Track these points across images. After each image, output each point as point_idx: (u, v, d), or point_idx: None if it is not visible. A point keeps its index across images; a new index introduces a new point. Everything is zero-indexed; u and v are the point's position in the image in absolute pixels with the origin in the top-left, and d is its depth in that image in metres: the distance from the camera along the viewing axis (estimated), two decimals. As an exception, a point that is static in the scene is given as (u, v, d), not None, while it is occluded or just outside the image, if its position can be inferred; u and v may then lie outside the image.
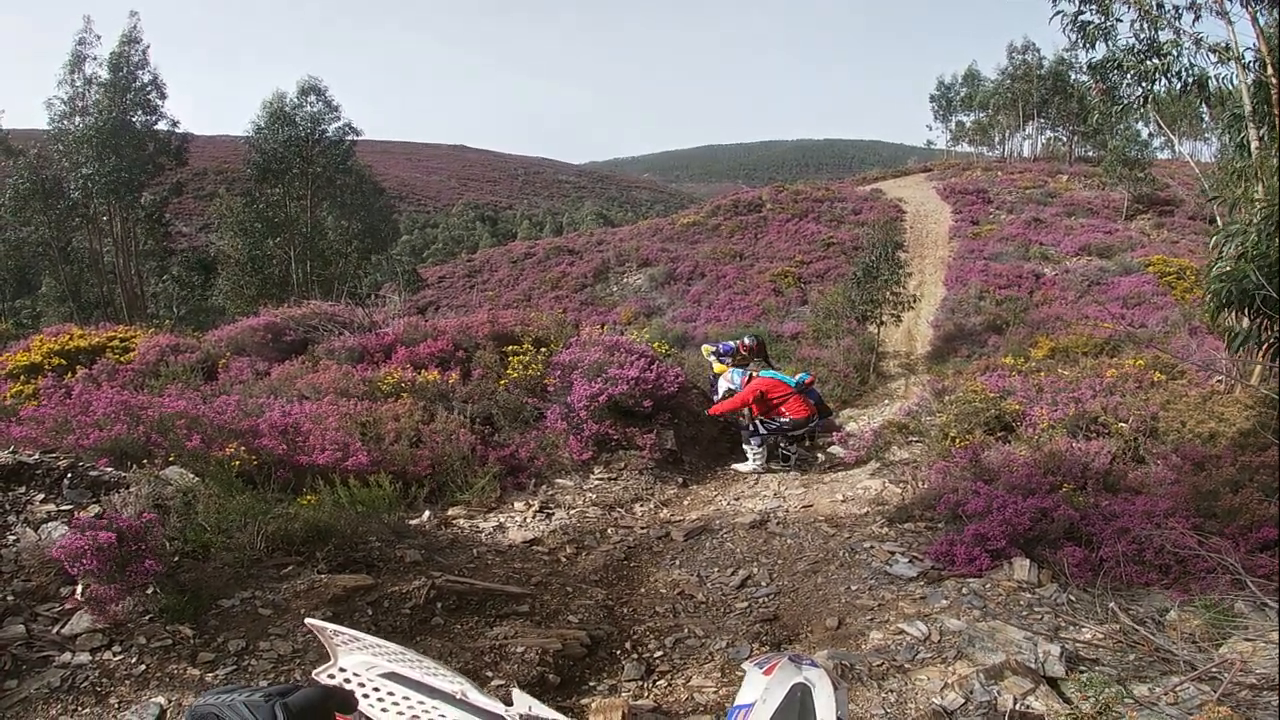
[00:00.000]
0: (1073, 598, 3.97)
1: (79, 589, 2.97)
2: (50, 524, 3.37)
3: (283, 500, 4.17)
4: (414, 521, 4.63)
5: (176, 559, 3.29)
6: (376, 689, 1.12)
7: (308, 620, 1.21)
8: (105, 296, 22.73)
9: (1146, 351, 9.26)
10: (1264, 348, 5.30)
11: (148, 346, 7.79)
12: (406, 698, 1.10)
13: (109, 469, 3.97)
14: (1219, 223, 6.35)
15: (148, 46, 22.05)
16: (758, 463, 7.04)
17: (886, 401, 12.02)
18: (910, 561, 4.48)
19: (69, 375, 7.01)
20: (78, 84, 21.39)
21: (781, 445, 7.21)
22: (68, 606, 2.96)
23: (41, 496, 3.57)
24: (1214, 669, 3.05)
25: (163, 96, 22.40)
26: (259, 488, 4.32)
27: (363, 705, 1.10)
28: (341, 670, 1.15)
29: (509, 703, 1.10)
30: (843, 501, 5.96)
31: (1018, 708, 2.90)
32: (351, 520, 4.01)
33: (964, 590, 4.01)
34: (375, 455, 5.21)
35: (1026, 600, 3.92)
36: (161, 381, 6.89)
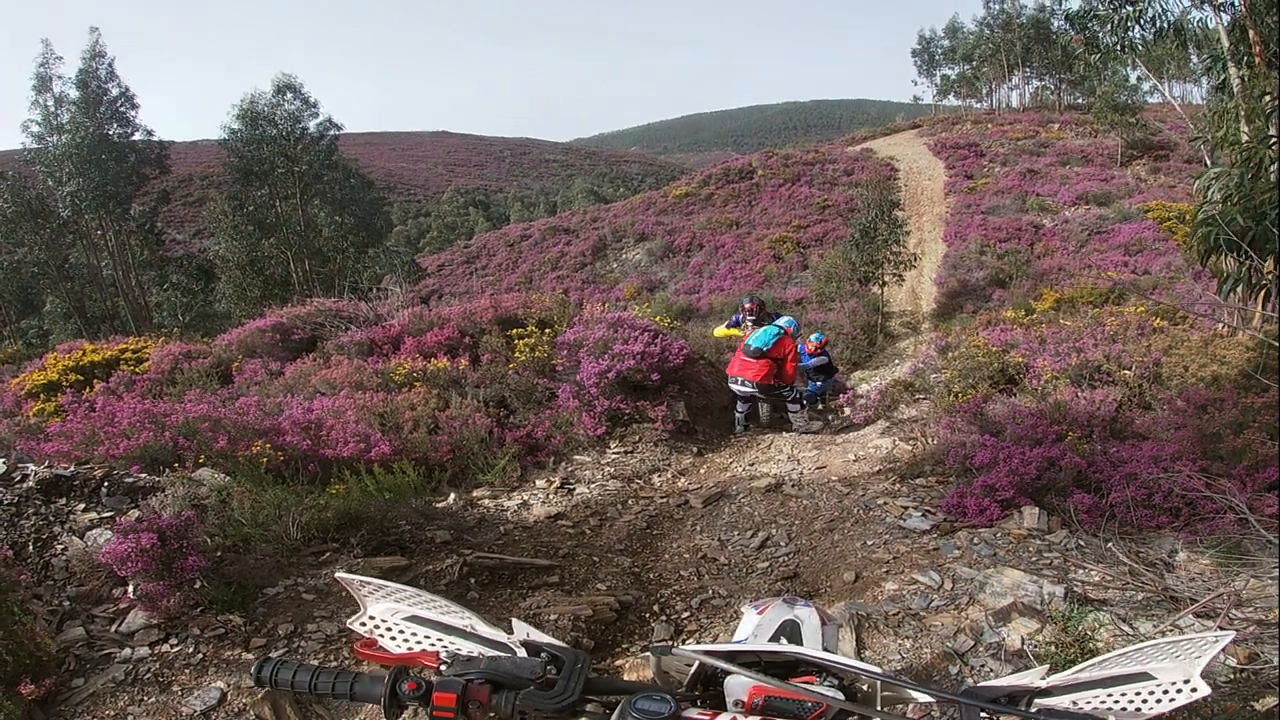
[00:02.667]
0: (1082, 543, 4.09)
1: (130, 589, 3.12)
2: (94, 531, 3.51)
3: (312, 492, 4.30)
4: (440, 504, 4.77)
5: (219, 554, 3.43)
6: (401, 631, 1.27)
7: (338, 575, 1.35)
8: (110, 310, 22.87)
9: (1149, 299, 9.33)
10: (1259, 291, 5.34)
11: (161, 355, 7.90)
12: (428, 636, 1.25)
13: (143, 475, 4.10)
14: (1207, 164, 6.36)
15: (113, 60, 22.04)
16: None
17: (896, 361, 12.12)
18: (923, 515, 4.61)
19: (87, 390, 7.13)
20: (48, 104, 21.40)
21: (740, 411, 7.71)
22: (122, 606, 3.11)
23: (82, 506, 3.70)
24: (1211, 601, 3.18)
25: (134, 107, 22.37)
26: (288, 482, 4.46)
27: (389, 646, 1.25)
28: (371, 618, 1.29)
29: (510, 631, 1.24)
30: (855, 461, 6.09)
31: (1024, 647, 3.04)
32: (381, 506, 4.14)
33: (975, 540, 4.14)
34: (396, 444, 5.34)
35: (1036, 547, 4.05)
36: (179, 388, 7.01)
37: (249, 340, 8.47)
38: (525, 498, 5.17)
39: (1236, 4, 6.96)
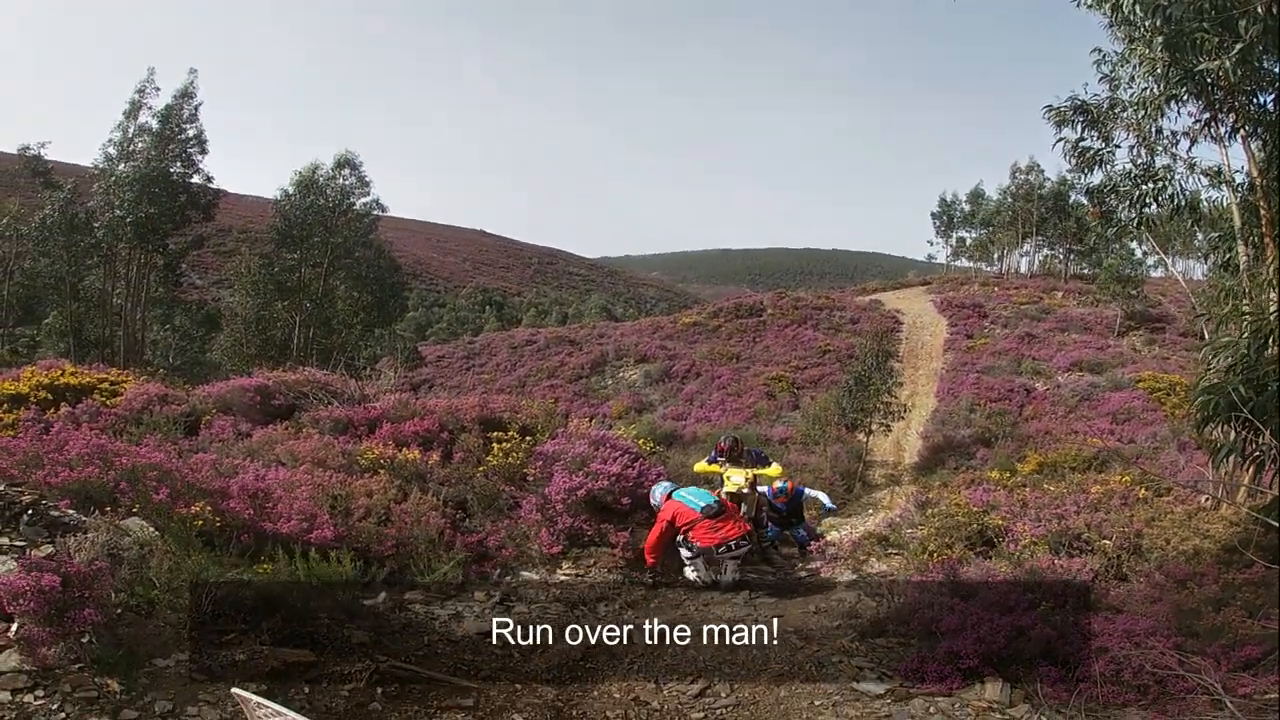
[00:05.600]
0: (1044, 718, 3.86)
1: (13, 627, 2.92)
2: (1, 557, 3.33)
3: (239, 565, 4.10)
4: (369, 602, 4.54)
5: (120, 611, 3.24)
6: None
7: (234, 690, 1.25)
8: (106, 337, 22.67)
9: (1133, 468, 9.21)
10: (1252, 462, 5.27)
11: (135, 393, 7.80)
12: None
13: (71, 511, 3.97)
14: (1207, 338, 6.42)
15: (200, 104, 22.67)
16: (694, 574, 6.39)
17: (870, 511, 11.89)
18: (879, 678, 4.36)
19: (52, 411, 6.98)
20: (130, 131, 22.07)
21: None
22: (-1, 642, 2.90)
23: (-2, 529, 3.54)
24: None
25: (204, 152, 22.81)
26: (218, 550, 4.26)
27: None
28: None
29: None
30: (815, 613, 5.83)
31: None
32: (304, 594, 3.93)
33: (931, 710, 3.91)
34: (341, 530, 5.12)
35: (996, 720, 3.79)
36: (142, 430, 6.85)
37: (228, 396, 8.38)
38: (460, 608, 4.93)
39: (1256, 186, 7.18)
